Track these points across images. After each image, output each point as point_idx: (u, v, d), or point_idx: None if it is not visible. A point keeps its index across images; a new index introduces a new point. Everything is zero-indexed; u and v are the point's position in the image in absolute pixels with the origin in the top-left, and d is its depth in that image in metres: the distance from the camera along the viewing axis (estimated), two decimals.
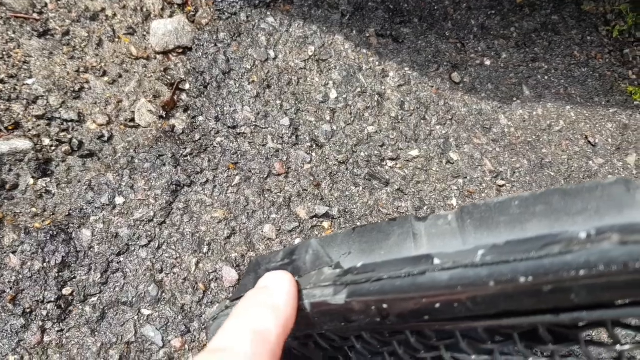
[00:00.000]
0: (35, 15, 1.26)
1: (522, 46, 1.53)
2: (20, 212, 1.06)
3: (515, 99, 1.44)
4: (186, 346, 1.00)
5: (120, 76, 1.27)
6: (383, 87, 1.35)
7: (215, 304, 1.03)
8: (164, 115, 1.24)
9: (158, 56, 1.31)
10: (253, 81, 1.26)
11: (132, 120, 1.23)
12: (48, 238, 1.01)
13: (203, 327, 1.02)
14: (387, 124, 1.31)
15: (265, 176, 1.18)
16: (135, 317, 0.99)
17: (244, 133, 1.20)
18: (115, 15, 1.32)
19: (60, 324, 0.96)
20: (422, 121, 1.34)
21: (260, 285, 0.38)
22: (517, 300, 0.36)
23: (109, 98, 1.24)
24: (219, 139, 1.19)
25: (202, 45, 1.29)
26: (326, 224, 1.17)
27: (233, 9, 1.35)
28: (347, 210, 1.19)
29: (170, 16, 1.35)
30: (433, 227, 0.59)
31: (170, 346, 0.99)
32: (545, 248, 0.37)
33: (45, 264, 0.99)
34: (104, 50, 1.28)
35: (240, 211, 1.13)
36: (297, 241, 1.11)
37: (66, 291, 0.99)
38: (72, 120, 1.18)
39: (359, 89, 1.32)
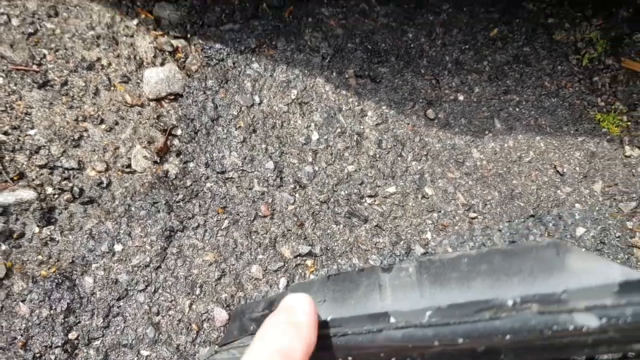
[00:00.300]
0: (34, 67, 1.33)
1: (495, 79, 1.60)
2: (28, 260, 1.14)
3: (487, 132, 1.52)
4: None
5: (117, 123, 1.34)
6: (362, 127, 1.42)
7: (207, 343, 1.12)
8: (158, 161, 1.32)
9: (151, 103, 1.39)
10: (240, 126, 1.34)
11: (129, 166, 1.31)
12: (54, 286, 1.10)
13: None
14: (366, 162, 1.39)
15: (252, 218, 1.26)
16: (135, 359, 1.08)
17: (231, 178, 1.28)
18: (110, 64, 1.39)
19: None
20: (399, 158, 1.42)
21: (282, 306, 0.39)
22: (458, 357, 0.46)
23: (106, 145, 1.32)
24: (208, 185, 1.27)
25: (192, 92, 1.36)
26: (309, 262, 1.25)
27: (220, 55, 1.42)
28: (328, 248, 1.28)
29: (162, 64, 1.42)
30: (396, 279, 0.70)
31: None
32: (478, 313, 0.47)
33: (52, 311, 1.08)
34: (101, 99, 1.35)
35: (230, 253, 1.21)
36: (282, 280, 1.20)
37: (72, 335, 1.08)
38: (72, 169, 1.26)
39: (339, 130, 1.40)
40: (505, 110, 1.56)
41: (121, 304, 1.12)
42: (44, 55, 1.34)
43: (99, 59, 1.38)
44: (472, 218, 1.39)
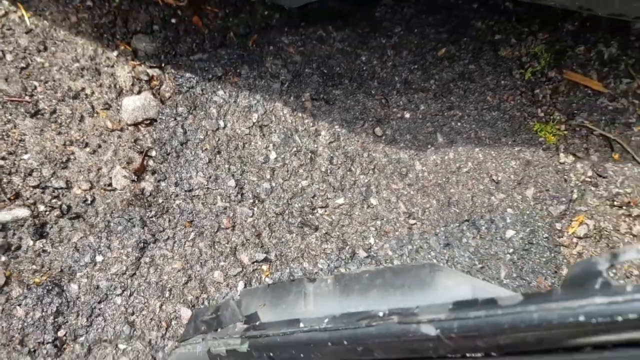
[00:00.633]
0: (27, 98, 1.51)
1: (440, 96, 1.75)
2: (24, 269, 1.33)
3: (430, 146, 1.67)
4: None
5: (100, 146, 1.51)
6: (316, 145, 1.59)
7: (174, 338, 1.31)
8: (136, 179, 1.50)
9: (130, 127, 1.56)
10: (206, 149, 1.51)
11: (110, 184, 1.49)
12: (45, 292, 1.29)
13: (167, 356, 1.30)
14: (318, 177, 1.56)
15: (215, 230, 1.43)
16: (114, 351, 1.27)
17: (197, 195, 1.46)
18: (93, 92, 1.56)
19: (57, 359, 1.25)
20: (348, 172, 1.58)
21: None
22: (345, 355, 0.66)
23: (90, 166, 1.49)
24: (177, 202, 1.44)
25: (164, 118, 1.53)
26: (265, 267, 1.43)
27: (190, 83, 1.59)
28: (282, 254, 1.45)
29: (139, 92, 1.59)
30: (318, 289, 0.93)
31: None
32: (359, 321, 0.67)
33: (43, 313, 1.27)
34: (85, 125, 1.52)
35: (195, 261, 1.39)
36: (240, 283, 1.38)
37: (60, 333, 1.27)
38: (61, 188, 1.44)
39: (295, 149, 1.57)
40: (448, 125, 1.72)
41: (102, 306, 1.31)
42: (35, 87, 1.51)
43: (83, 89, 1.55)
44: (412, 224, 1.56)
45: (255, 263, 1.42)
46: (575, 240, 1.65)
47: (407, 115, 1.70)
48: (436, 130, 1.70)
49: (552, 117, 1.84)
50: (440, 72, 1.79)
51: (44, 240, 1.37)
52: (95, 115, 1.54)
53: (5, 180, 1.40)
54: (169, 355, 1.13)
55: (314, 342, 0.70)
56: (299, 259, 1.45)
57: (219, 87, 1.59)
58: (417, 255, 1.51)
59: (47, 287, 1.30)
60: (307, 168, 1.56)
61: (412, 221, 1.56)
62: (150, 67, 1.61)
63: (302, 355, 0.72)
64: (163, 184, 1.47)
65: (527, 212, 1.65)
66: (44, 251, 1.36)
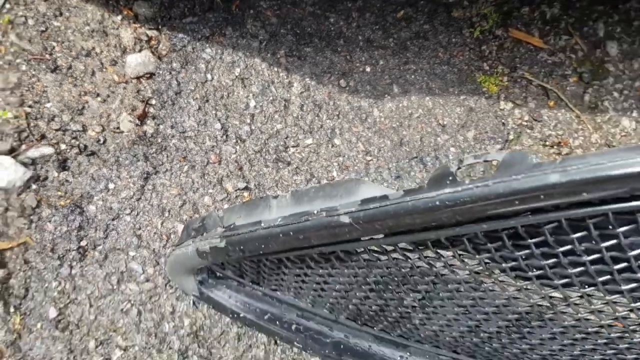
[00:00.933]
0: (47, 56, 1.78)
1: (397, 53, 2.01)
2: (51, 195, 1.63)
3: (387, 95, 1.95)
4: (157, 273, 1.60)
5: (109, 96, 1.79)
6: (289, 95, 1.86)
7: (172, 247, 1.62)
8: (139, 123, 1.78)
9: (133, 80, 1.83)
10: (196, 98, 1.79)
11: (118, 128, 1.77)
12: (69, 212, 1.59)
13: (166, 258, 1.61)
14: (291, 122, 1.84)
15: (204, 164, 1.73)
16: (125, 257, 1.59)
17: (190, 136, 1.75)
18: (102, 51, 1.83)
19: (81, 262, 1.56)
20: (316, 118, 1.86)
21: None
22: (292, 242, 0.97)
23: (102, 113, 1.78)
24: (173, 141, 1.73)
25: (161, 73, 1.81)
26: (246, 194, 1.73)
27: (182, 43, 1.85)
28: (260, 184, 1.75)
29: (140, 50, 1.85)
30: (279, 202, 1.27)
31: (147, 273, 1.59)
32: (301, 217, 0.98)
33: (68, 228, 1.58)
34: (97, 78, 1.80)
35: (189, 188, 1.69)
36: (226, 206, 1.68)
37: (83, 243, 1.58)
38: (78, 130, 1.73)
39: (271, 98, 1.84)
40: (403, 78, 1.98)
41: (115, 222, 1.62)
42: (54, 47, 1.78)
43: (93, 48, 1.82)
44: (369, 160, 1.85)
45: (237, 190, 1.72)
46: None
47: (368, 69, 1.96)
48: (393, 82, 1.97)
49: (496, 70, 2.10)
50: (398, 32, 2.04)
51: (66, 172, 1.67)
52: (104, 70, 1.81)
53: (32, 124, 1.68)
54: (168, 257, 1.44)
55: (270, 235, 0.99)
56: (274, 187, 1.75)
57: (207, 45, 1.85)
58: None
59: (70, 208, 1.60)
60: (281, 114, 1.84)
61: (369, 158, 1.85)
62: (149, 29, 1.88)
63: (262, 245, 1.02)
64: (161, 127, 1.75)
65: (468, 151, 1.93)
66: (66, 181, 1.65)
